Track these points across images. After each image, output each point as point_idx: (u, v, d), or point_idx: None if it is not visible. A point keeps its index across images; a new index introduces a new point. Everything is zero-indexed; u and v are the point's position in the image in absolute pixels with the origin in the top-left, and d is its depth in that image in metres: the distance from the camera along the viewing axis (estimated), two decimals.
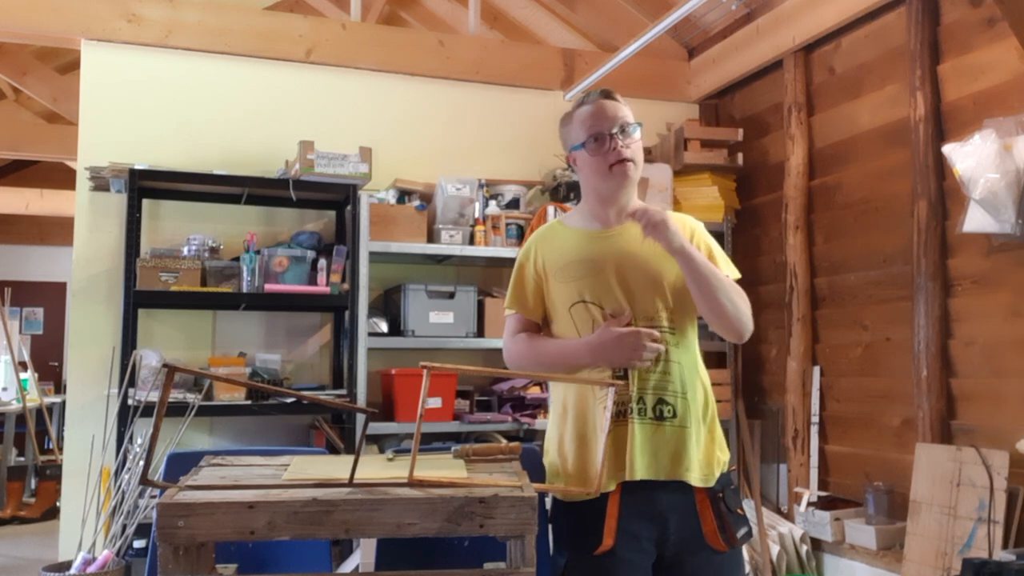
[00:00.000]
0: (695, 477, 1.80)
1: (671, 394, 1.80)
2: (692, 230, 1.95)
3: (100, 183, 3.62)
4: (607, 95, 1.92)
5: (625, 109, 1.92)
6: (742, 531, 1.84)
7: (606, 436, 1.69)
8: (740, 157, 4.28)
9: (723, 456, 1.87)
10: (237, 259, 3.62)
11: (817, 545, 3.61)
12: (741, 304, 1.86)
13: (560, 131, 1.99)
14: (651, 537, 1.79)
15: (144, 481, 1.54)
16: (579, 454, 1.85)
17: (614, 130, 1.87)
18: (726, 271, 1.92)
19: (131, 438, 3.23)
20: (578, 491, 1.76)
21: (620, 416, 1.79)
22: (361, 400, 3.59)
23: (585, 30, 4.85)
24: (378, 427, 3.58)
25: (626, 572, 1.78)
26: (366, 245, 3.67)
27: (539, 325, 1.98)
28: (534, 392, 3.81)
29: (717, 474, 1.83)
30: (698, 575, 1.82)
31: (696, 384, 1.85)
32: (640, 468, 1.77)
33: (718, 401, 3.94)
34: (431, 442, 3.42)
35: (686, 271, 1.80)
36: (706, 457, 1.83)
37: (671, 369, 1.81)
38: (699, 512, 1.81)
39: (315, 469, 1.67)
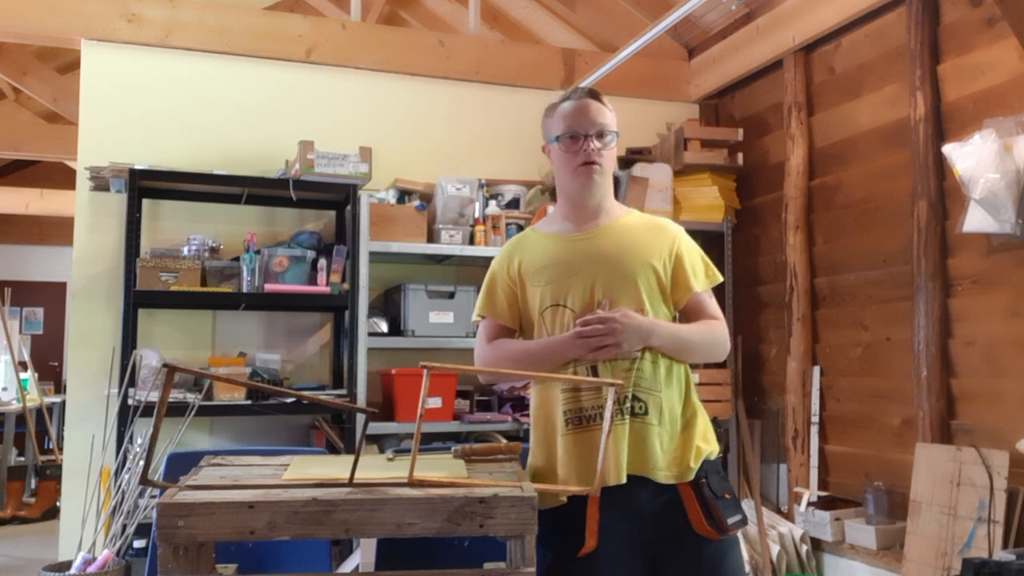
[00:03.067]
0: (667, 475, 1.77)
1: (644, 391, 1.79)
2: (674, 238, 1.93)
3: (100, 183, 3.62)
4: (594, 95, 1.92)
5: (608, 114, 1.91)
6: (734, 518, 1.80)
7: (606, 437, 1.68)
8: (740, 157, 4.28)
9: (706, 446, 1.83)
10: (237, 259, 3.62)
11: (817, 545, 3.61)
12: (713, 343, 1.91)
13: (542, 120, 2.01)
14: (635, 535, 1.78)
15: (144, 481, 1.54)
16: (543, 456, 1.86)
17: (591, 132, 1.88)
18: (705, 281, 1.92)
19: (131, 438, 3.23)
20: (579, 490, 1.76)
21: (590, 421, 1.78)
22: (361, 400, 3.59)
23: (585, 30, 4.85)
24: (378, 427, 3.58)
25: (611, 572, 1.77)
26: (366, 245, 3.67)
27: (512, 331, 1.97)
28: None
29: (697, 465, 1.80)
30: (691, 567, 1.79)
31: (672, 380, 1.84)
32: (626, 468, 1.75)
33: (718, 401, 3.99)
34: (431, 442, 3.42)
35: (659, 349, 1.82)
36: (683, 453, 1.80)
37: (644, 366, 1.80)
38: (684, 502, 1.78)
39: (315, 469, 1.67)
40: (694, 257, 1.94)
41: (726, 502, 1.80)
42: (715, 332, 1.91)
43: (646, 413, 1.78)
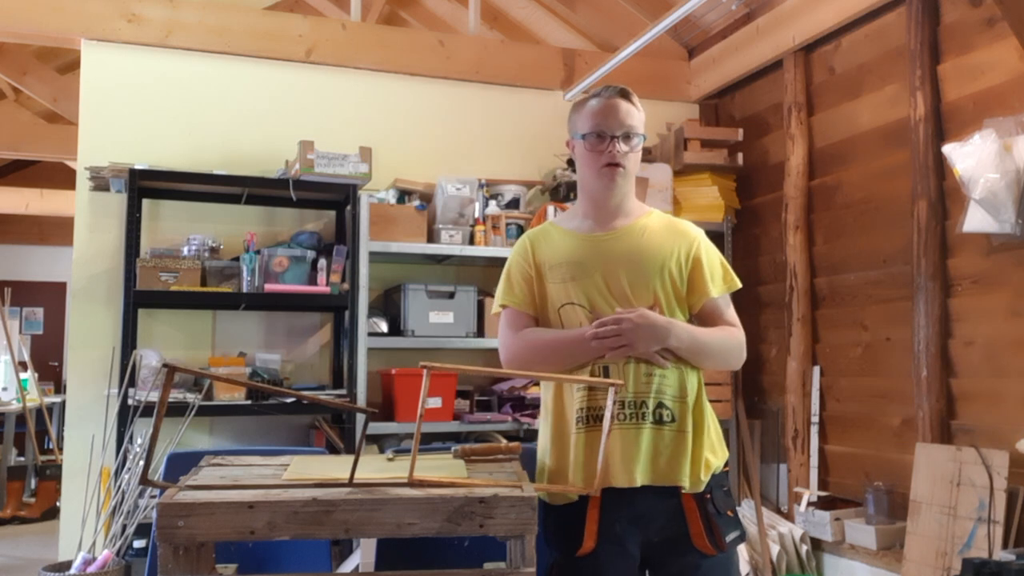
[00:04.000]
0: (688, 483, 1.78)
1: (670, 398, 1.79)
2: (692, 241, 1.91)
3: (100, 183, 3.62)
4: (624, 95, 1.90)
5: (637, 115, 1.90)
6: (732, 535, 1.80)
7: (607, 437, 1.68)
8: (740, 157, 4.28)
9: (715, 460, 1.83)
10: (237, 259, 3.62)
11: (817, 545, 3.61)
12: (730, 349, 1.89)
13: (569, 114, 1.97)
14: (635, 539, 1.78)
15: (144, 481, 1.54)
16: (555, 452, 1.85)
17: (618, 133, 1.86)
18: (723, 286, 1.90)
19: (131, 438, 3.23)
20: (579, 490, 1.76)
21: (599, 421, 1.78)
22: (361, 400, 3.59)
23: (585, 30, 4.85)
24: (378, 427, 3.58)
25: (609, 573, 1.77)
26: (366, 245, 3.67)
27: (535, 320, 1.94)
28: (534, 392, 3.81)
29: (706, 479, 1.80)
30: None
31: (691, 390, 1.83)
32: (641, 474, 1.75)
33: (718, 401, 3.98)
34: (431, 442, 3.42)
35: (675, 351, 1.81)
36: (697, 463, 1.80)
37: (667, 373, 1.79)
38: (686, 514, 1.78)
39: (315, 469, 1.67)
40: (713, 261, 1.92)
41: (727, 519, 1.81)
42: (733, 338, 1.89)
43: (674, 420, 1.78)
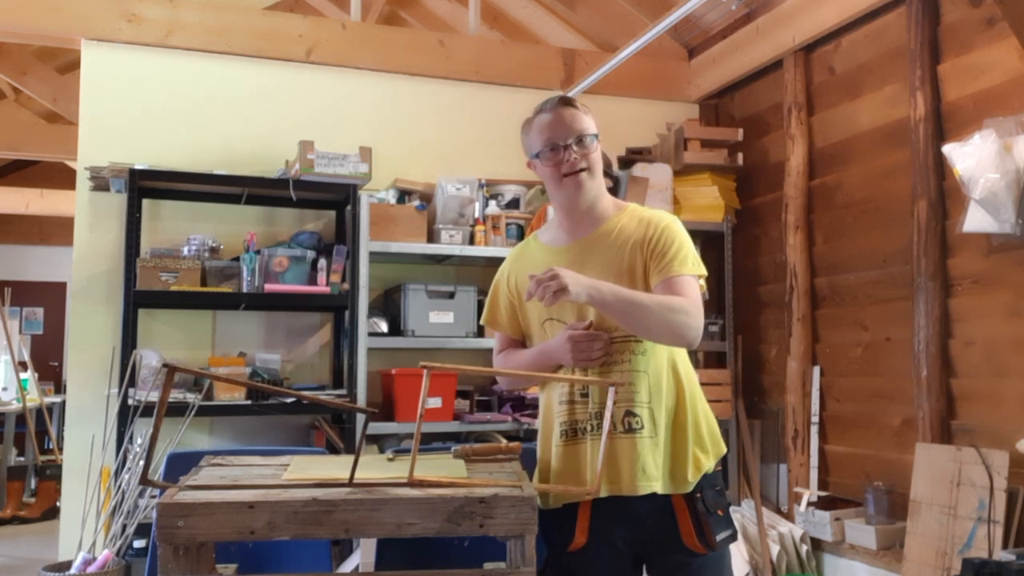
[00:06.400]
0: (663, 486, 1.77)
1: (638, 405, 1.78)
2: (656, 226, 1.85)
3: (100, 183, 3.62)
4: (566, 102, 1.89)
5: (584, 119, 1.87)
6: (723, 534, 1.79)
7: (607, 436, 1.68)
8: (740, 157, 4.28)
9: (705, 459, 1.82)
10: (237, 259, 3.62)
11: (817, 545, 3.61)
12: (674, 319, 1.73)
13: (521, 137, 1.96)
14: (625, 537, 1.79)
15: (144, 481, 1.54)
16: (543, 460, 1.89)
17: (569, 141, 1.84)
18: (679, 267, 1.81)
19: (131, 438, 3.23)
20: (579, 491, 1.76)
21: (581, 434, 1.80)
22: (361, 400, 3.59)
23: (585, 30, 4.85)
24: (378, 427, 3.58)
25: (599, 570, 1.78)
26: (366, 245, 3.67)
27: (520, 342, 2.02)
28: (534, 392, 3.81)
29: (695, 478, 1.79)
30: None
31: (666, 392, 1.81)
32: (607, 483, 1.76)
33: (718, 401, 3.99)
34: (431, 442, 3.42)
35: (604, 313, 1.77)
36: (680, 464, 1.79)
37: (636, 379, 1.79)
38: (676, 513, 1.78)
39: (315, 469, 1.67)
40: (681, 242, 1.84)
41: (718, 518, 1.80)
42: (674, 301, 1.76)
43: (642, 428, 1.78)
